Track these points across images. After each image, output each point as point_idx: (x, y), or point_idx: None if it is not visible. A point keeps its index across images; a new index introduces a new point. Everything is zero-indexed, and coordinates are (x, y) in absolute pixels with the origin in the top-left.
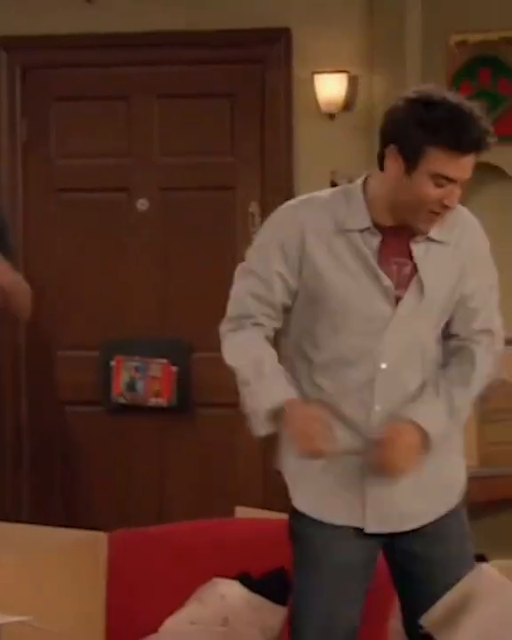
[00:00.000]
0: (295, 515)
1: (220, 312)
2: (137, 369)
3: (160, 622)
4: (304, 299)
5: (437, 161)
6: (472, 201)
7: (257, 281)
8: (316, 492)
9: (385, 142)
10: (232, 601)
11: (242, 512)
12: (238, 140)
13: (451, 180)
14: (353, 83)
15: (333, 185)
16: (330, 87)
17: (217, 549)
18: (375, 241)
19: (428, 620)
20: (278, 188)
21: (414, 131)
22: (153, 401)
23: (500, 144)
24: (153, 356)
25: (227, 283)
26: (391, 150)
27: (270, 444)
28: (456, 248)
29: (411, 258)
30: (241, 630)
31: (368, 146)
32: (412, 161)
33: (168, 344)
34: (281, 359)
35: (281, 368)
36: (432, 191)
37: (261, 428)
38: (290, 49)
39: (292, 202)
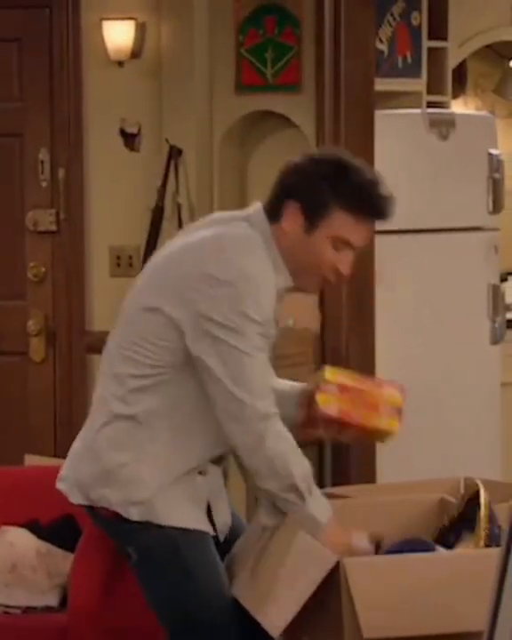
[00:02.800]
0: (174, 531)
1: (10, 261)
2: None
3: None
4: None
5: (341, 224)
6: (260, 148)
7: (262, 353)
8: (188, 508)
9: (286, 195)
10: (21, 548)
11: (31, 460)
12: (26, 85)
13: (349, 246)
14: (141, 30)
15: (122, 132)
16: (118, 34)
17: (6, 497)
18: (282, 297)
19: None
20: (67, 136)
21: (324, 191)
22: None
23: (286, 93)
24: None
25: (14, 230)
26: (292, 205)
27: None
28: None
29: None
30: (28, 576)
31: (156, 93)
32: (314, 220)
33: None
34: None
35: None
36: (329, 254)
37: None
38: None
39: (247, 251)
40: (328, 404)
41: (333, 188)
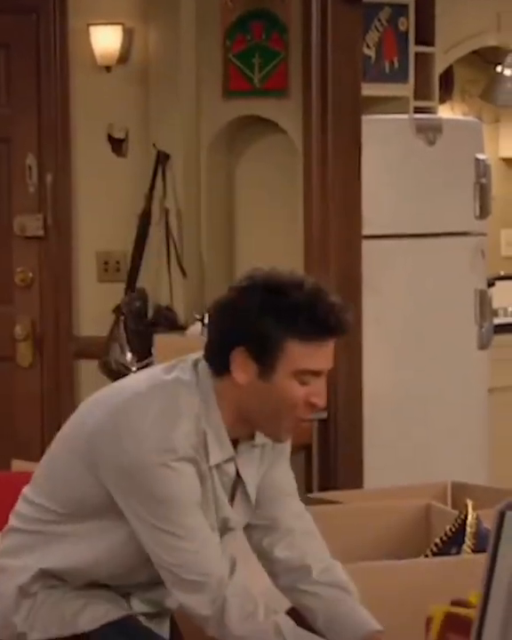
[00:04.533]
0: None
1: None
2: None
3: None
4: None
5: (300, 356)
6: (248, 153)
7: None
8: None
9: (226, 344)
10: None
11: (18, 465)
12: (14, 90)
13: (316, 375)
14: (128, 35)
15: (110, 138)
16: (105, 39)
17: None
18: (231, 468)
19: None
20: (54, 141)
21: (266, 325)
22: None
23: (274, 98)
24: None
25: (1, 235)
26: (239, 353)
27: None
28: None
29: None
30: None
31: (143, 99)
32: (267, 361)
33: None
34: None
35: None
36: (298, 391)
37: None
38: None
39: (166, 422)
40: None
41: (275, 316)
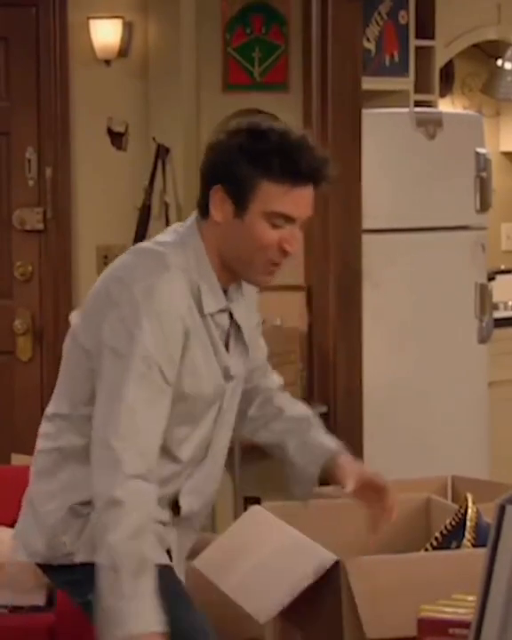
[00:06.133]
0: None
1: None
2: None
3: None
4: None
5: (271, 196)
6: None
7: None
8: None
9: (208, 183)
10: (8, 547)
11: (17, 459)
12: (13, 84)
13: (289, 220)
14: (128, 29)
15: (110, 131)
16: (105, 33)
17: None
18: (225, 319)
19: (202, 562)
20: (54, 134)
21: (241, 164)
22: None
23: (274, 91)
24: None
25: (1, 229)
26: (216, 191)
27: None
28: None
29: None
30: (17, 576)
31: (143, 92)
32: (241, 200)
33: None
34: None
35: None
36: (269, 234)
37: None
38: None
39: (153, 274)
40: None
41: (251, 156)
